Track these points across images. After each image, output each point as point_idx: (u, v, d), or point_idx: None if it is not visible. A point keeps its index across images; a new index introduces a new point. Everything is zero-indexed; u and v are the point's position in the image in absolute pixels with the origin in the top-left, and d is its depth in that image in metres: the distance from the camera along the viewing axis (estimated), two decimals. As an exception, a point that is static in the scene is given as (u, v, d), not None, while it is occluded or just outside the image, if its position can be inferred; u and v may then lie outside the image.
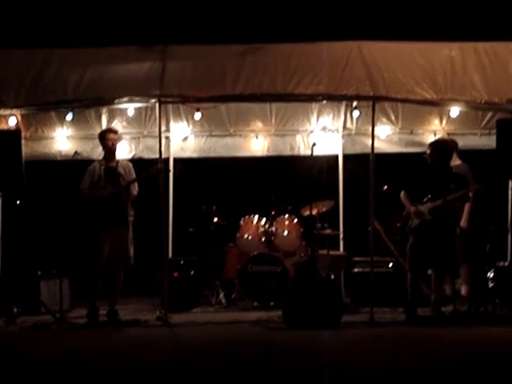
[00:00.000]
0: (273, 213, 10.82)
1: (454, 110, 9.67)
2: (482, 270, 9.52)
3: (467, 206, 9.58)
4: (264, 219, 10.80)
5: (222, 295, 10.45)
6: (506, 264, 10.03)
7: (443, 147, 9.21)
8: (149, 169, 9.16)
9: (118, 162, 9.39)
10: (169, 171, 11.03)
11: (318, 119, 11.24)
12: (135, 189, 9.25)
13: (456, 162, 9.76)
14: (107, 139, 9.33)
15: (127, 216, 9.20)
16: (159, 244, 9.18)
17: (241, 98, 9.34)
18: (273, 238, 10.65)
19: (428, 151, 9.10)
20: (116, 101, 9.21)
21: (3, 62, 9.53)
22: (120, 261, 9.15)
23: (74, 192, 9.16)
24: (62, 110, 9.76)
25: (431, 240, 8.80)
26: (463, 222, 9.63)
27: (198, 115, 9.94)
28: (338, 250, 11.27)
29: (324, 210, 10.64)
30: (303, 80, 9.11)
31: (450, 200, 8.80)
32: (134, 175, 9.31)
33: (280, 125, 11.45)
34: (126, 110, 10.00)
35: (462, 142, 10.83)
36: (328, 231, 10.51)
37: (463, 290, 9.92)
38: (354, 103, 9.59)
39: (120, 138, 9.51)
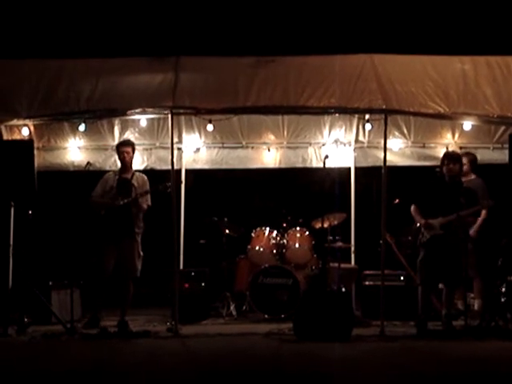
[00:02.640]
0: (284, 225, 10.83)
1: (467, 124, 9.67)
2: (493, 285, 9.46)
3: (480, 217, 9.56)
4: (275, 231, 10.80)
5: (232, 307, 10.41)
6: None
7: (460, 158, 9.19)
8: (158, 186, 9.18)
9: (133, 174, 9.44)
10: (181, 182, 11.05)
11: (330, 132, 11.22)
12: (146, 202, 9.27)
13: (471, 176, 9.75)
14: (119, 151, 9.44)
15: (134, 228, 9.21)
16: (170, 255, 9.17)
17: (253, 110, 9.37)
18: (284, 250, 10.65)
19: (446, 163, 9.03)
20: (129, 112, 9.22)
21: (16, 73, 9.59)
22: (126, 272, 9.17)
23: (86, 202, 9.19)
24: (74, 121, 9.79)
25: (442, 254, 8.78)
26: (473, 232, 9.56)
27: (210, 127, 9.97)
28: (350, 262, 11.23)
29: (335, 222, 10.61)
30: (315, 93, 9.12)
31: (462, 215, 8.78)
32: (147, 189, 9.32)
33: (292, 137, 11.43)
34: (139, 121, 10.05)
35: (475, 156, 10.81)
36: (339, 244, 10.44)
37: (476, 305, 9.86)
38: (367, 116, 9.59)
39: (134, 150, 9.54)
